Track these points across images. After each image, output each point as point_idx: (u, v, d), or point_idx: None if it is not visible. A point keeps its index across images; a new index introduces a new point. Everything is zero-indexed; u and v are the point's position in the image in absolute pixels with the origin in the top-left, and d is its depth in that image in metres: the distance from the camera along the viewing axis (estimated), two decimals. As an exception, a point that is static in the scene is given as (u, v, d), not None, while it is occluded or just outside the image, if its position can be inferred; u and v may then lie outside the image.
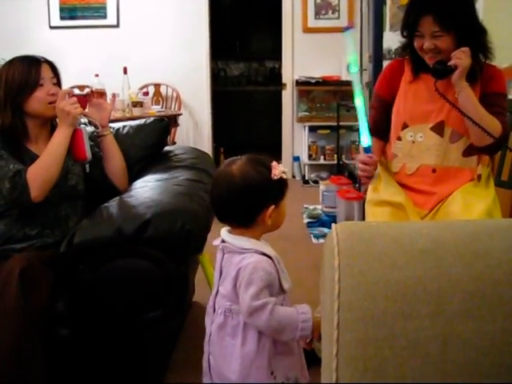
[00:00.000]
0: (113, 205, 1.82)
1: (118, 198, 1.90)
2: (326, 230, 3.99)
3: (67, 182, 1.97)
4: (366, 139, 1.95)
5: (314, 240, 3.87)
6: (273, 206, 1.40)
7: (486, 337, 0.76)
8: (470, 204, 1.88)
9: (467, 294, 0.77)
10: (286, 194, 1.44)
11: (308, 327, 1.36)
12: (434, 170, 1.95)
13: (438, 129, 1.93)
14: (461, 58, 1.81)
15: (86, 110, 2.02)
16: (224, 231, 1.45)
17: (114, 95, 2.31)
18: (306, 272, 3.10)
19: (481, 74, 1.90)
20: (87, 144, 1.95)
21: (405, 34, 1.96)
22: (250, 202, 1.40)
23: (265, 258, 1.38)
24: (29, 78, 1.89)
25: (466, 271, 0.78)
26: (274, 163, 1.42)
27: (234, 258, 1.40)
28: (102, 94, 2.14)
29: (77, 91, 2.13)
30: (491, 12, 3.45)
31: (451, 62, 1.81)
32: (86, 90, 2.12)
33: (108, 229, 1.69)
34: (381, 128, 2.08)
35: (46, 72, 1.93)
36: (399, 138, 2.00)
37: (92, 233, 1.70)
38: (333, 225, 0.86)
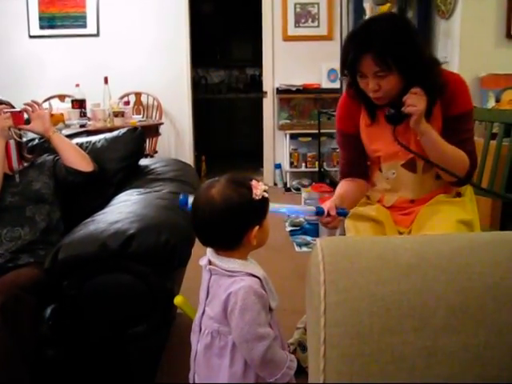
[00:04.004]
0: (97, 220, 1.81)
1: (101, 212, 1.90)
2: (308, 237, 4.00)
3: (31, 187, 2.17)
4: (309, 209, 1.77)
5: (297, 248, 3.89)
6: (257, 227, 1.37)
7: (470, 350, 0.77)
8: (437, 210, 1.85)
9: (450, 308, 0.78)
10: (268, 212, 1.41)
11: (289, 375, 1.36)
12: (412, 201, 1.93)
13: (410, 165, 1.87)
14: (414, 105, 1.66)
15: (31, 124, 2.25)
16: (210, 251, 1.42)
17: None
18: (289, 280, 3.11)
19: (440, 96, 1.75)
20: (14, 156, 2.21)
21: (346, 73, 1.79)
22: (234, 226, 1.36)
23: (255, 279, 1.35)
24: None
25: (448, 285, 0.79)
26: (254, 182, 1.38)
27: (222, 281, 1.37)
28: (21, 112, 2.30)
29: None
30: (468, 24, 3.51)
31: (404, 110, 1.68)
32: (21, 108, 2.32)
33: (92, 244, 1.67)
34: (357, 165, 1.95)
35: None
36: (380, 169, 1.95)
37: (76, 248, 1.69)
38: (317, 240, 0.87)
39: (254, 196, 1.35)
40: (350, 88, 1.86)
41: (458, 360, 0.77)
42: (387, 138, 1.80)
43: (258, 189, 1.36)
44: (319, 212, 1.70)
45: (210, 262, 1.42)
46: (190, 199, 1.44)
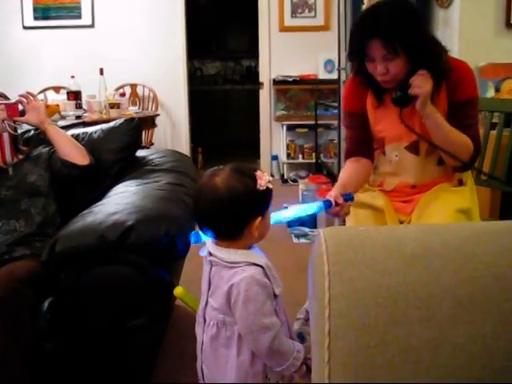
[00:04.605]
0: (94, 211, 1.79)
1: (99, 204, 1.88)
2: (306, 229, 4.00)
3: (26, 180, 2.15)
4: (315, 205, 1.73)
5: (295, 239, 3.89)
6: (260, 218, 1.36)
7: (477, 341, 0.76)
8: (435, 198, 1.86)
9: (457, 298, 0.77)
10: (271, 203, 1.39)
11: (295, 365, 1.35)
12: (413, 186, 1.93)
13: (413, 148, 1.88)
14: (420, 86, 1.70)
15: (26, 116, 2.23)
16: (210, 242, 1.41)
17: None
18: (287, 271, 3.11)
19: (446, 80, 1.78)
20: (7, 149, 2.17)
21: (353, 58, 1.84)
22: (237, 216, 1.34)
23: (257, 268, 1.33)
24: None
25: (455, 275, 0.78)
26: (259, 173, 1.36)
27: (223, 272, 1.36)
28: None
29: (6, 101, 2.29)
30: (467, 13, 3.49)
31: (411, 91, 1.71)
32: (16, 99, 2.29)
33: (91, 236, 1.65)
34: (364, 144, 1.95)
35: None
36: (383, 153, 1.95)
37: (74, 240, 1.67)
38: (320, 230, 0.86)
39: (258, 187, 1.34)
40: (357, 74, 1.88)
41: (464, 351, 0.76)
42: (392, 119, 1.82)
43: (263, 179, 1.35)
44: (327, 205, 1.71)
45: (210, 253, 1.40)
46: (200, 233, 1.45)
